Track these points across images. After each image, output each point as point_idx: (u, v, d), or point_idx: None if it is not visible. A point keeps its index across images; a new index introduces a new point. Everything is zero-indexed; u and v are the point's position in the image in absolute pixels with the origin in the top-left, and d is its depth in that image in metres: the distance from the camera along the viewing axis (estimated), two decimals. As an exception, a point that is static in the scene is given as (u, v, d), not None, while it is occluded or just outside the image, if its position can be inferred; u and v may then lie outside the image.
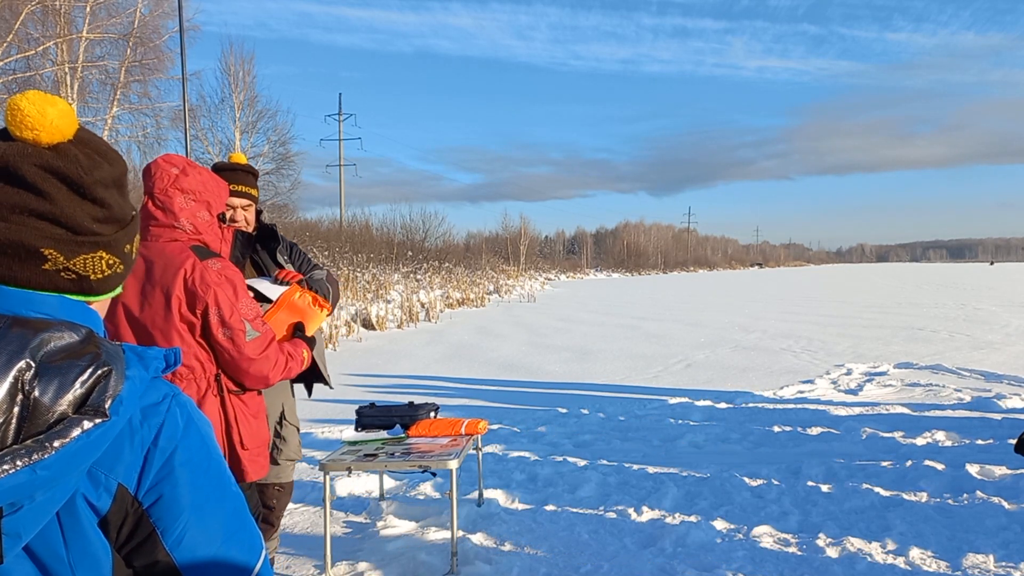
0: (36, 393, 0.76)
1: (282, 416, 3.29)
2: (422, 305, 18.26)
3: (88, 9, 17.60)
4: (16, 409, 0.75)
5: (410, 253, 25.82)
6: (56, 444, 0.75)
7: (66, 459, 0.76)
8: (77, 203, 0.89)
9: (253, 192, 3.22)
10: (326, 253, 19.87)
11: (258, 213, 3.36)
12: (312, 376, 3.32)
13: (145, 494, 0.88)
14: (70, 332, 0.83)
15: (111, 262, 0.93)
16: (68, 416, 0.77)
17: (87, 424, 0.78)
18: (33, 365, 0.77)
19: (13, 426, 0.75)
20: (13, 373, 0.76)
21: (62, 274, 0.89)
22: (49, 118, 0.86)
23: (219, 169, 3.07)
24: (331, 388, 3.61)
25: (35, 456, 0.74)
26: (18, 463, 0.73)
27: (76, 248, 0.89)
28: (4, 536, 0.76)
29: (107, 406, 0.80)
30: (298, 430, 3.38)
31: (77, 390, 0.79)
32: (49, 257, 0.87)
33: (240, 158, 3.29)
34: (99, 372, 0.81)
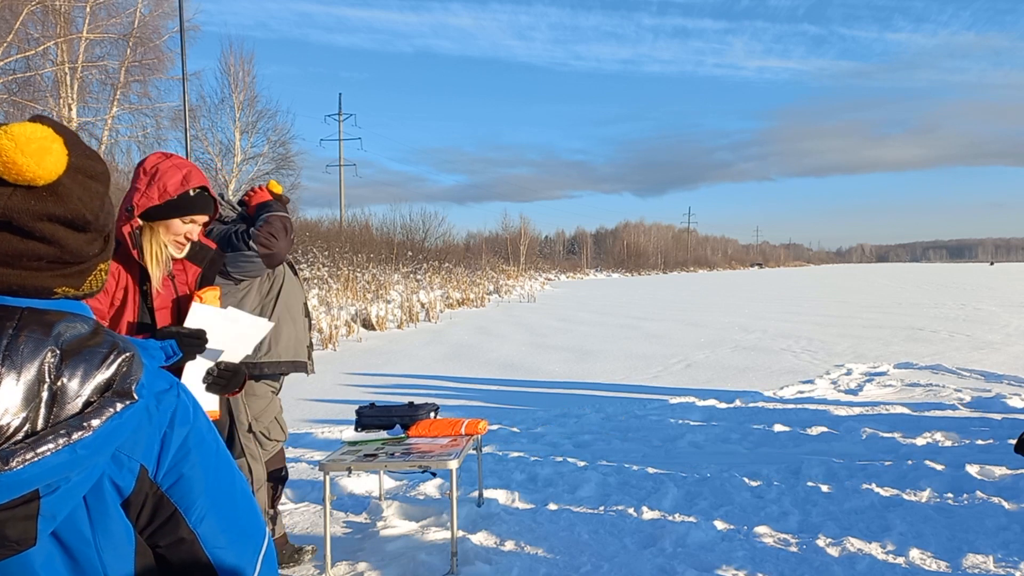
0: (64, 379, 0.79)
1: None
2: (422, 305, 18.27)
3: (88, 9, 17.60)
4: (44, 395, 0.78)
5: (410, 253, 25.81)
6: (95, 423, 0.78)
7: (103, 439, 0.79)
8: (82, 240, 0.91)
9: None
10: (326, 253, 19.88)
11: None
12: None
13: (164, 475, 0.91)
14: (81, 323, 0.86)
15: (106, 267, 0.97)
16: (92, 400, 0.80)
17: (119, 406, 0.81)
18: (58, 352, 0.80)
19: (42, 412, 0.77)
20: (41, 360, 0.79)
21: (71, 296, 0.93)
22: (44, 166, 0.85)
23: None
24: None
25: (75, 435, 0.77)
26: (60, 442, 0.76)
27: (83, 275, 0.93)
28: (40, 517, 0.78)
29: (133, 389, 0.83)
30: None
31: (102, 375, 0.82)
32: (61, 292, 0.91)
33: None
34: (122, 358, 0.84)
